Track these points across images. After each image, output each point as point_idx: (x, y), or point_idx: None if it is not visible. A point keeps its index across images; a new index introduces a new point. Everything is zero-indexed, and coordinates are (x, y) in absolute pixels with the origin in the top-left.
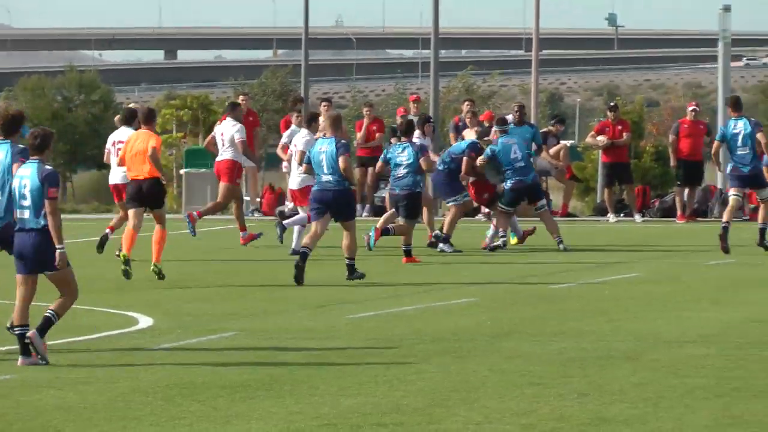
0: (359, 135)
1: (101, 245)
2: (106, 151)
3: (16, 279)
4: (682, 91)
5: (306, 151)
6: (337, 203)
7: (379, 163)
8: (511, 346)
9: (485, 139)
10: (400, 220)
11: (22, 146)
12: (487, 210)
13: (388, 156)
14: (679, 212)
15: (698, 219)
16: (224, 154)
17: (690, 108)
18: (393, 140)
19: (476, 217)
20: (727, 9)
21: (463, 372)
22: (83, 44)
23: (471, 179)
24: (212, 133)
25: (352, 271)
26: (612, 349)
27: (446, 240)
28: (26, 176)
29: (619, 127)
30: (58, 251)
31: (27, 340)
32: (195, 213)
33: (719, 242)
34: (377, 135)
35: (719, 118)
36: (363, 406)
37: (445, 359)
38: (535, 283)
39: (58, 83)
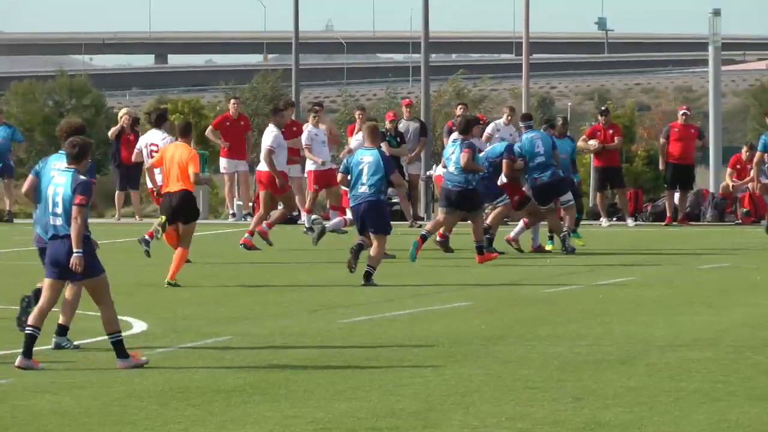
0: (351, 139)
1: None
2: (136, 150)
3: (44, 283)
4: (673, 95)
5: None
6: (371, 214)
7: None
8: (505, 350)
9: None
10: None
11: (83, 179)
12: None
13: (443, 152)
14: (668, 215)
15: (691, 223)
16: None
17: (681, 111)
18: (383, 144)
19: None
20: (717, 13)
21: (458, 376)
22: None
23: (504, 181)
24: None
25: (369, 278)
26: (606, 353)
27: (490, 242)
28: (61, 184)
29: (611, 131)
30: (75, 255)
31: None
32: (264, 225)
33: None
34: None
35: (711, 121)
36: (358, 410)
37: (439, 363)
38: (530, 287)
39: (49, 88)
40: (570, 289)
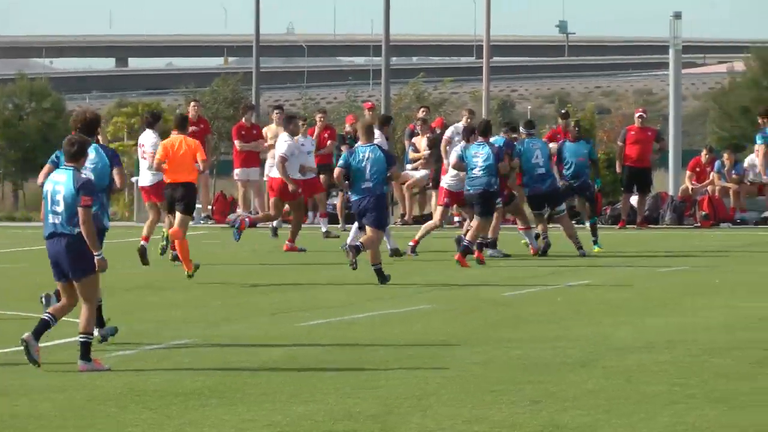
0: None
1: (143, 256)
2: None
3: (59, 287)
4: (633, 98)
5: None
6: (371, 209)
7: (337, 170)
8: (464, 352)
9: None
10: (474, 219)
11: (85, 178)
12: (457, 213)
13: (465, 154)
14: (623, 218)
15: (650, 226)
16: (273, 170)
17: (637, 114)
18: (344, 148)
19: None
20: (677, 16)
21: (416, 379)
22: (34, 52)
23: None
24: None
25: (381, 275)
26: (565, 356)
27: (494, 245)
28: (60, 182)
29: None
30: (96, 258)
31: (22, 344)
32: (288, 243)
33: None
34: (329, 142)
35: (671, 124)
36: (315, 413)
37: (398, 366)
38: (490, 290)
39: (8, 91)
40: (529, 292)
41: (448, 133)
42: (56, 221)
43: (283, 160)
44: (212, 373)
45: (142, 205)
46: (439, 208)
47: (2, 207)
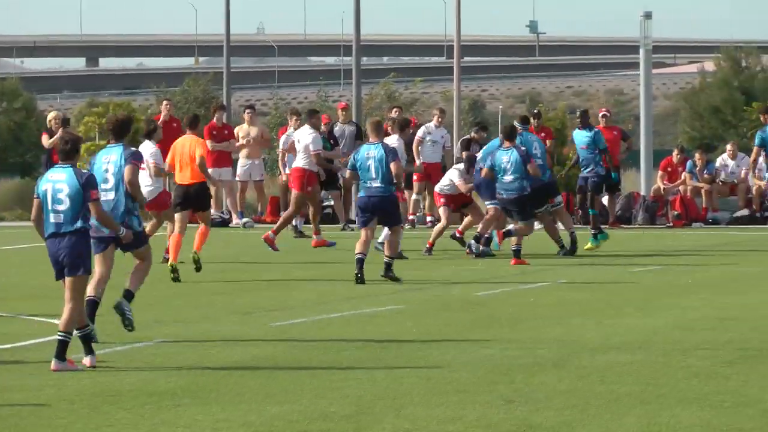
0: (282, 141)
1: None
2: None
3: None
4: (605, 98)
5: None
6: (383, 208)
7: (348, 172)
8: (437, 353)
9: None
10: (519, 223)
11: (133, 149)
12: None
13: (494, 161)
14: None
15: (622, 225)
16: (298, 162)
17: (600, 114)
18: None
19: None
20: (648, 16)
21: (389, 379)
22: (5, 52)
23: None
24: (290, 138)
25: (389, 270)
26: (538, 356)
27: (488, 241)
28: (61, 181)
29: (542, 134)
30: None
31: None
32: (270, 233)
33: None
34: None
35: (642, 124)
36: (289, 413)
37: (371, 366)
38: (462, 290)
39: None
40: (502, 292)
41: (419, 133)
42: (58, 220)
43: (319, 155)
44: (186, 373)
45: (143, 213)
46: (442, 209)
47: None
